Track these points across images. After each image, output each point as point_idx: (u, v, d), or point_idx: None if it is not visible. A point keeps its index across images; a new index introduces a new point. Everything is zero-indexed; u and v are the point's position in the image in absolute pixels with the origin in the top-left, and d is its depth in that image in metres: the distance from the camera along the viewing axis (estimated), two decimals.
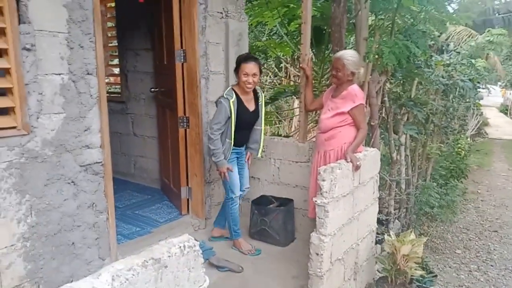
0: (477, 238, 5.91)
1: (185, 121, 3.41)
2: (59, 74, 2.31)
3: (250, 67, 2.88)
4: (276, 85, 7.97)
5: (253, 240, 3.34)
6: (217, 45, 3.44)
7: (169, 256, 1.33)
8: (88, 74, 2.45)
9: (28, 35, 2.12)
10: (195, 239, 3.27)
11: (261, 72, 2.98)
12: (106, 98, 2.55)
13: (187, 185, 3.56)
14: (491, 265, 4.84)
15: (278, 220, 3.21)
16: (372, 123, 3.70)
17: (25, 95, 2.14)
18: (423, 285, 3.34)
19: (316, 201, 2.44)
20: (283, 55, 6.47)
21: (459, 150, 8.58)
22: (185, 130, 3.45)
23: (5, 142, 2.11)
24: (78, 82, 2.41)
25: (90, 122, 2.51)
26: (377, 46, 3.43)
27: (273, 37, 7.23)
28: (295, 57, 6.84)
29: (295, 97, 6.41)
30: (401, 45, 3.45)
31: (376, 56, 3.44)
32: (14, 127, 2.13)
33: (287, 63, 7.19)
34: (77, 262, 2.56)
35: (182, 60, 3.29)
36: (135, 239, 3.15)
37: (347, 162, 2.67)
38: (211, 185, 3.64)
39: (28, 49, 2.13)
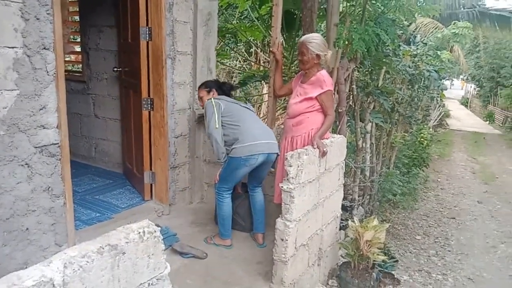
0: (436, 224, 6.14)
1: (149, 103, 3.28)
2: (13, 48, 2.14)
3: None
4: (245, 70, 7.87)
5: (218, 225, 3.28)
6: (185, 24, 3.31)
7: (127, 242, 1.26)
8: (44, 49, 2.28)
9: None
10: (157, 225, 3.20)
11: (208, 89, 3.03)
12: (64, 76, 2.40)
13: (151, 169, 3.45)
14: (448, 250, 5.04)
15: (244, 206, 3.17)
16: (339, 110, 3.71)
17: None
18: (385, 269, 3.42)
19: (282, 186, 2.41)
20: (253, 40, 6.38)
21: (422, 139, 8.85)
22: (149, 113, 3.32)
23: None
24: (34, 57, 2.25)
25: (46, 101, 2.35)
26: (347, 32, 3.41)
27: (244, 20, 7.11)
28: (266, 42, 6.76)
29: (264, 83, 6.36)
30: (371, 32, 3.45)
31: (346, 43, 3.42)
32: None
33: (257, 48, 7.10)
34: (31, 248, 2.42)
35: (147, 38, 3.15)
36: (94, 225, 3.03)
37: (314, 148, 2.65)
38: (175, 170, 3.55)
39: None
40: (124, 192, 3.72)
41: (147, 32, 3.13)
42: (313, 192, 2.65)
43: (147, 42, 3.17)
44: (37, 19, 2.22)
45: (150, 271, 1.36)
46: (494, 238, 5.73)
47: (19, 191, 2.31)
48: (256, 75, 5.34)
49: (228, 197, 2.91)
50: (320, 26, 4.97)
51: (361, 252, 3.05)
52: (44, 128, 2.38)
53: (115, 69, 3.90)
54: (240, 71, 7.54)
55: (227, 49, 7.48)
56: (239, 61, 8.54)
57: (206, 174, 3.79)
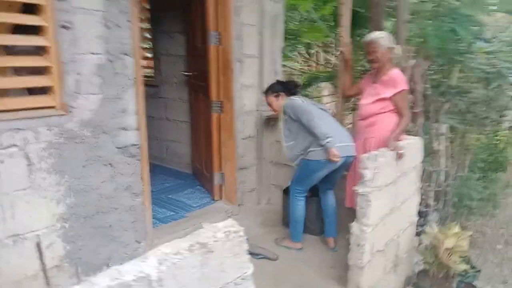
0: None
1: (218, 105, 3.34)
2: (96, 54, 2.28)
3: (266, 100, 3.05)
4: (306, 71, 7.77)
5: (287, 228, 3.25)
6: (252, 27, 3.34)
7: (215, 241, 1.27)
8: (124, 54, 2.40)
9: (66, 13, 2.08)
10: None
11: (275, 93, 2.97)
12: (142, 80, 2.51)
13: (220, 171, 3.51)
14: None
15: (312, 210, 3.11)
16: (415, 111, 3.53)
17: (63, 75, 2.12)
18: (466, 280, 3.19)
19: (357, 190, 2.33)
20: (314, 41, 6.29)
21: (498, 142, 8.20)
22: (218, 115, 3.38)
23: (44, 122, 2.10)
24: (115, 62, 2.37)
25: (126, 104, 2.47)
26: (420, 29, 3.24)
27: (304, 22, 7.05)
28: (328, 42, 6.65)
29: (329, 84, 6.21)
30: (446, 29, 3.25)
31: (420, 40, 3.25)
32: (52, 107, 2.11)
33: (318, 49, 6.99)
34: (114, 244, 2.55)
35: (216, 42, 3.21)
36: (170, 223, 3.14)
37: (390, 150, 2.54)
38: (243, 171, 3.58)
39: (66, 27, 2.09)
40: (195, 192, 3.82)
41: (216, 37, 3.19)
42: (390, 196, 2.54)
43: (216, 46, 3.23)
44: (118, 26, 2.34)
45: (235, 270, 1.36)
46: None
47: (103, 189, 2.44)
48: (320, 76, 5.25)
49: (303, 199, 2.88)
50: (388, 23, 4.76)
51: (440, 260, 2.87)
52: (125, 129, 2.50)
53: (185, 73, 4.02)
54: (300, 73, 7.45)
55: (288, 51, 7.45)
56: (299, 63, 8.47)
57: (273, 176, 3.79)
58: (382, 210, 2.48)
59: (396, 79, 2.68)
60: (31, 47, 2.06)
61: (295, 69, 8.26)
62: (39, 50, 2.06)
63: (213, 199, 3.58)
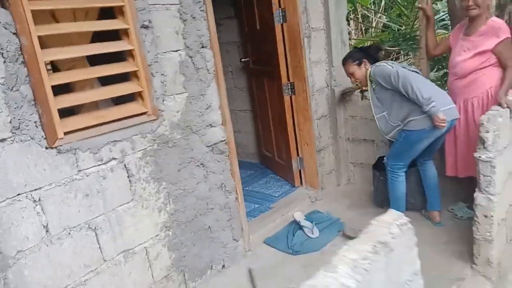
0: None
1: (289, 87, 3.16)
2: (177, 51, 2.15)
3: (345, 70, 2.81)
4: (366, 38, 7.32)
5: (382, 208, 3.06)
6: None
7: (392, 238, 1.10)
8: (202, 47, 2.26)
9: (144, 11, 1.95)
10: (318, 211, 3.05)
11: (357, 61, 2.68)
12: (222, 71, 2.36)
13: (298, 155, 3.34)
14: None
15: (410, 183, 2.89)
16: None
17: (150, 78, 1.99)
18: None
19: (479, 156, 2.10)
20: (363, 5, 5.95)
21: None
22: (290, 97, 3.20)
23: (138, 130, 2.00)
24: (195, 57, 2.23)
25: (210, 99, 2.34)
26: None
27: None
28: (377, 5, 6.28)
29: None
30: None
31: None
32: (144, 113, 2.00)
33: (368, 13, 6.59)
34: (214, 246, 2.47)
35: (281, 20, 3.00)
36: (258, 216, 3.02)
37: (503, 107, 2.28)
38: (320, 153, 3.40)
39: (146, 27, 1.97)
40: (271, 181, 3.68)
41: (281, 14, 2.98)
42: (509, 158, 2.29)
43: (281, 25, 3.02)
44: (193, 18, 2.19)
45: (409, 266, 1.20)
46: None
47: (199, 191, 2.34)
48: (384, 40, 4.88)
49: (403, 175, 2.66)
50: None
51: None
52: (212, 126, 2.38)
53: (242, 59, 3.85)
54: (355, 39, 7.02)
55: None
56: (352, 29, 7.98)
57: (351, 154, 3.59)
58: (503, 175, 2.24)
59: (498, 27, 2.39)
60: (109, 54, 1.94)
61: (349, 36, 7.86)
62: (121, 55, 1.94)
63: (294, 186, 3.43)
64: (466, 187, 2.94)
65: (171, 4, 2.08)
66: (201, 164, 2.34)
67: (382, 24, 6.94)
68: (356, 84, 3.47)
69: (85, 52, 1.76)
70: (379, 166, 3.08)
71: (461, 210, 2.85)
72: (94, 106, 1.90)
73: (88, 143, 1.79)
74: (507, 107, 2.28)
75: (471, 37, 2.51)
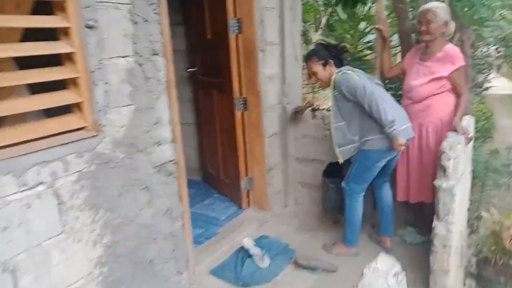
0: None
1: (242, 102, 2.97)
2: (125, 57, 1.85)
3: (307, 67, 2.60)
4: None
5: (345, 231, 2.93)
6: (272, 11, 2.96)
7: None
8: (154, 54, 1.98)
9: (90, 9, 1.64)
10: (266, 236, 2.87)
11: (323, 60, 2.53)
12: (174, 82, 2.10)
13: (247, 175, 3.15)
14: None
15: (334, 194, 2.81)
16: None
17: (91, 86, 1.68)
18: None
19: (439, 184, 2.07)
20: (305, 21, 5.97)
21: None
22: (242, 113, 3.01)
23: (74, 148, 1.66)
24: (145, 64, 1.95)
25: (159, 113, 2.06)
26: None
27: None
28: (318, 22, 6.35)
29: None
30: None
31: (466, 10, 3.00)
32: (83, 128, 1.68)
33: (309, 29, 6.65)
34: (155, 281, 2.16)
35: (236, 31, 2.82)
36: (204, 243, 2.76)
37: (459, 134, 2.29)
38: (270, 172, 3.24)
39: (91, 27, 1.65)
40: (216, 202, 3.43)
41: (236, 25, 2.80)
42: (465, 184, 2.31)
43: (236, 36, 2.83)
44: (146, 20, 1.92)
45: None
46: None
47: (142, 218, 2.04)
48: None
49: (362, 199, 2.57)
50: None
51: (503, 246, 2.70)
52: (160, 144, 2.10)
53: (189, 69, 3.58)
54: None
55: None
56: None
57: (299, 174, 3.48)
58: (459, 203, 2.24)
59: (454, 55, 2.43)
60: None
61: None
62: (59, 59, 1.61)
63: (241, 207, 3.23)
64: (415, 211, 2.96)
65: (121, 3, 1.79)
66: (146, 187, 2.04)
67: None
68: (307, 102, 3.39)
69: (13, 52, 1.41)
70: (329, 172, 2.98)
71: (411, 235, 2.85)
72: (22, 118, 1.55)
73: (10, 164, 1.44)
74: (463, 133, 2.30)
75: (427, 63, 2.53)
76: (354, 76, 2.39)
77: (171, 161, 2.16)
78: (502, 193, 5.71)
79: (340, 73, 2.45)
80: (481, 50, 5.80)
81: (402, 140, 2.29)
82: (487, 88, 8.55)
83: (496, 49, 6.06)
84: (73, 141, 1.65)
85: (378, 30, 2.80)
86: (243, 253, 2.66)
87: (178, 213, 2.24)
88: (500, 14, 4.47)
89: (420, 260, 2.48)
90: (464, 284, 2.83)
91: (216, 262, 2.61)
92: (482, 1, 2.95)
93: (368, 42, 5.63)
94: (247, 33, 2.78)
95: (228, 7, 2.74)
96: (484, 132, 7.33)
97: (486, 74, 8.50)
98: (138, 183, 1.99)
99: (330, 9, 6.41)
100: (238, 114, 2.98)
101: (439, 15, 2.42)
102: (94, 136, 1.73)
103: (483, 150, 4.75)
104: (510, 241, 2.66)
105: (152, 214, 2.09)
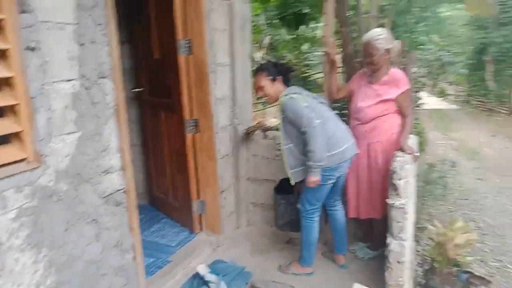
0: (455, 209, 6.04)
1: (193, 124, 2.89)
2: (70, 81, 1.72)
3: (255, 81, 2.58)
4: None
5: (283, 232, 2.92)
6: (223, 32, 2.93)
7: None
8: (102, 77, 1.87)
9: (31, 29, 1.51)
10: (222, 260, 2.79)
11: (272, 76, 2.54)
12: (125, 107, 1.99)
13: (199, 198, 3.05)
14: (484, 234, 4.94)
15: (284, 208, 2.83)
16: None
17: (32, 114, 1.53)
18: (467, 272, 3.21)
19: (392, 203, 2.13)
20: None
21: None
22: (193, 135, 2.93)
23: (13, 182, 1.50)
24: (92, 88, 1.83)
25: (107, 140, 1.94)
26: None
27: None
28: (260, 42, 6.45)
29: None
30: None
31: (408, 35, 3.18)
32: (23, 160, 1.52)
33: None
34: None
35: (186, 51, 2.75)
36: (156, 273, 2.61)
37: (407, 153, 2.39)
38: (222, 194, 3.17)
39: (32, 49, 1.52)
40: (165, 227, 3.28)
41: (186, 45, 2.73)
42: (412, 200, 2.40)
43: (185, 56, 2.77)
44: (93, 42, 1.81)
45: None
46: None
47: (89, 254, 1.89)
48: None
49: (317, 219, 2.58)
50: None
51: (448, 256, 2.84)
52: (108, 173, 1.96)
53: (134, 89, 3.44)
54: None
55: None
56: None
57: (251, 194, 3.44)
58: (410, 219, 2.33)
59: (399, 79, 2.55)
60: None
61: None
62: None
63: (193, 232, 3.11)
64: (363, 227, 3.03)
65: (66, 23, 1.67)
66: (93, 220, 1.90)
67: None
68: (258, 123, 3.39)
69: None
70: (281, 188, 2.97)
71: (362, 250, 2.91)
72: None
73: None
74: (410, 153, 2.40)
75: (374, 85, 2.62)
76: (300, 102, 2.39)
77: (120, 190, 2.03)
78: (437, 204, 6.11)
79: (287, 96, 2.45)
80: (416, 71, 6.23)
81: (316, 178, 2.36)
82: (418, 105, 9.20)
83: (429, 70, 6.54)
84: (11, 175, 1.49)
85: (327, 53, 2.87)
86: (198, 280, 2.55)
87: (128, 245, 2.11)
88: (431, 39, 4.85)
89: (373, 275, 2.53)
90: None
91: None
92: (418, 27, 3.16)
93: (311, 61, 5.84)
94: (197, 54, 2.72)
95: (177, 27, 2.66)
96: (418, 147, 7.81)
97: (418, 92, 9.14)
98: (84, 216, 1.84)
99: (272, 30, 6.58)
100: (189, 135, 2.89)
101: (379, 46, 2.51)
102: (35, 168, 1.57)
103: (420, 164, 5.04)
104: (454, 251, 2.81)
105: (100, 249, 1.94)
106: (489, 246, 4.59)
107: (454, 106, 18.89)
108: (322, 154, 2.33)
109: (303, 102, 2.39)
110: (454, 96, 20.55)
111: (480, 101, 17.14)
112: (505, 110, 15.12)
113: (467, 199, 6.51)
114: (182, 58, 2.74)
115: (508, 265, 4.07)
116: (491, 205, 6.21)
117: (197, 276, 2.59)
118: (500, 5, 12.76)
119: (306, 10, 4.55)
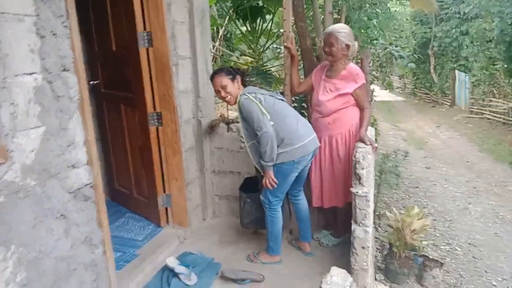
0: (407, 196, 6.40)
1: (156, 117, 2.87)
2: (32, 74, 1.68)
3: (215, 83, 2.60)
4: None
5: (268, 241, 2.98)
6: (182, 24, 2.92)
7: None
8: (64, 70, 1.83)
9: None
10: (190, 252, 2.82)
11: (231, 76, 2.59)
12: (88, 100, 1.96)
13: (164, 192, 3.05)
14: (434, 219, 5.28)
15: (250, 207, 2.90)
16: None
17: None
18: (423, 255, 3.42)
19: (356, 191, 2.25)
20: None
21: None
22: (157, 128, 2.91)
23: None
24: (55, 82, 1.79)
25: (73, 134, 1.91)
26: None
27: None
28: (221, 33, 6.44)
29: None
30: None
31: (362, 31, 3.32)
32: None
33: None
34: None
35: (146, 44, 2.72)
36: (124, 267, 2.59)
37: (367, 144, 2.52)
38: (188, 187, 3.18)
39: None
40: (129, 222, 3.25)
41: (146, 38, 2.70)
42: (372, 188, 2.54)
43: (146, 49, 2.74)
44: (54, 34, 1.77)
45: None
46: (460, 200, 6.15)
47: (58, 250, 1.86)
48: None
49: (280, 210, 2.66)
50: (308, 14, 4.81)
51: (405, 241, 3.03)
52: (75, 167, 1.94)
53: (90, 82, 3.34)
54: None
55: None
56: None
57: (216, 186, 3.48)
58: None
59: (356, 73, 2.67)
60: None
61: None
62: None
63: (159, 226, 3.10)
64: (327, 215, 3.16)
65: (25, 15, 1.62)
66: (62, 215, 1.87)
67: (221, 52, 7.20)
68: (221, 116, 3.42)
69: None
70: (245, 186, 3.03)
71: (326, 238, 3.03)
72: None
73: None
74: (370, 144, 2.53)
75: (333, 80, 2.73)
76: (256, 104, 2.45)
77: (87, 184, 2.00)
78: (391, 192, 6.44)
79: (244, 96, 2.50)
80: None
81: (269, 172, 2.48)
82: (372, 98, 9.58)
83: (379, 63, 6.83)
84: None
85: (287, 47, 2.94)
86: (167, 273, 2.56)
87: (98, 240, 2.09)
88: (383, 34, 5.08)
89: (339, 261, 2.64)
90: (376, 279, 3.11)
91: (140, 285, 2.48)
92: (371, 24, 3.32)
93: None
94: (158, 47, 2.70)
95: (137, 20, 2.63)
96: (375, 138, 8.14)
97: (371, 85, 9.51)
98: (52, 212, 1.81)
99: (226, 21, 6.58)
100: (152, 129, 2.87)
101: (341, 39, 2.63)
102: (1, 163, 1.53)
103: (376, 154, 5.28)
104: (411, 236, 3.01)
105: (70, 244, 1.92)
106: (439, 231, 4.93)
107: (400, 98, 19.82)
108: (272, 156, 2.43)
109: (258, 102, 2.46)
110: (400, 88, 21.60)
111: (425, 93, 18.15)
112: (448, 101, 16.11)
113: (417, 187, 6.92)
114: (143, 50, 2.72)
115: (457, 248, 4.41)
116: (440, 192, 6.64)
117: (166, 269, 2.60)
118: (439, 1, 13.51)
119: (261, 4, 4.61)
